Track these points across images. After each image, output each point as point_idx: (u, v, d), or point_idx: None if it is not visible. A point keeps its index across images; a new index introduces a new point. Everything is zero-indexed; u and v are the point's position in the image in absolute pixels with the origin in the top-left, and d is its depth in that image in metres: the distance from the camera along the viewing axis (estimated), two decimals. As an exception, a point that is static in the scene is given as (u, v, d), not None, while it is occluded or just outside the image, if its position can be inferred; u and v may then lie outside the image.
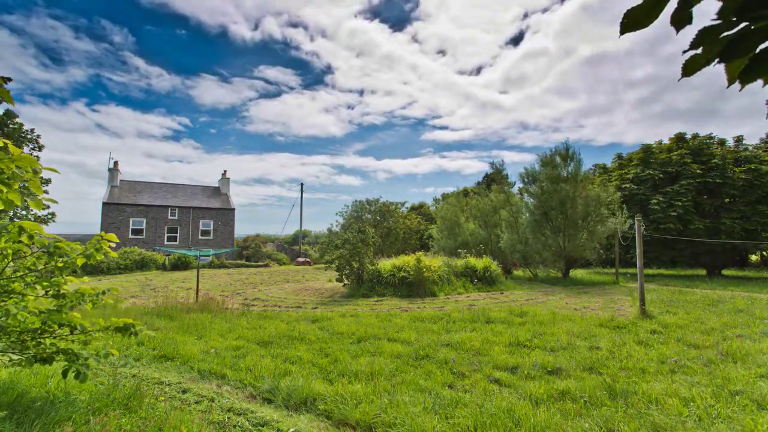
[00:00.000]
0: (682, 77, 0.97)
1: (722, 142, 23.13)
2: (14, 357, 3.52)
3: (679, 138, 23.58)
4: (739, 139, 23.18)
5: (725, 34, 0.88)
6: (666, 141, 24.32)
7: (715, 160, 21.27)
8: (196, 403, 4.10)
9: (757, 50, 0.88)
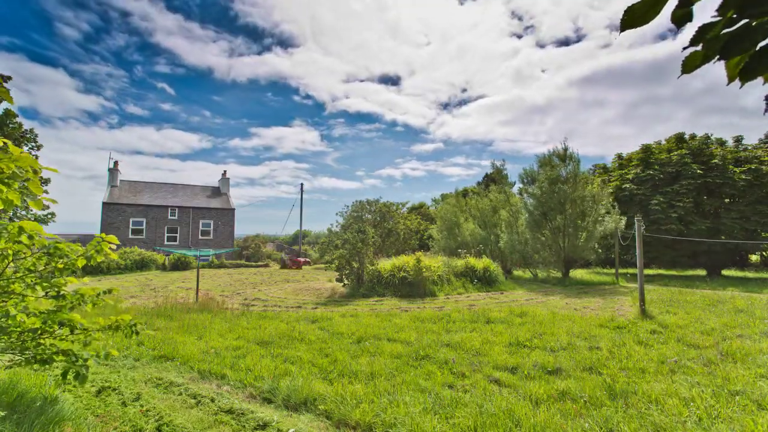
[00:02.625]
0: (681, 74, 0.97)
1: (722, 142, 23.12)
2: (14, 357, 3.51)
3: (679, 138, 23.56)
4: (738, 139, 23.17)
5: (725, 31, 0.88)
6: (664, 141, 24.32)
7: (715, 160, 21.26)
8: (197, 403, 4.10)
9: (758, 47, 0.88)
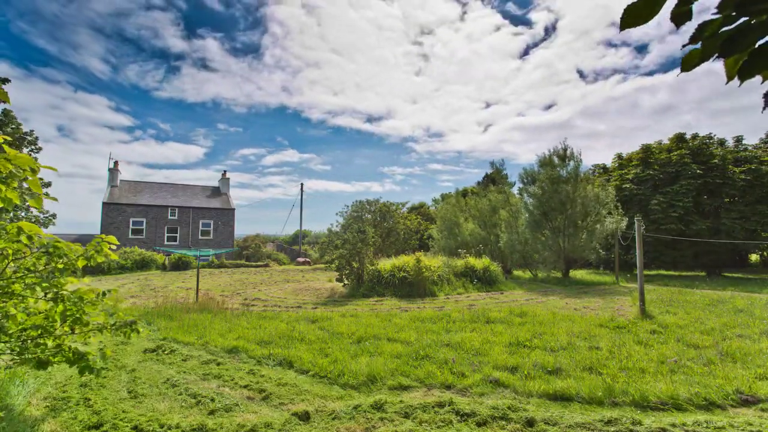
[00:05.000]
0: (681, 72, 0.97)
1: (722, 142, 23.09)
2: (15, 358, 3.51)
3: (679, 138, 23.52)
4: (738, 139, 23.14)
5: (725, 29, 0.88)
6: (666, 141, 24.28)
7: (715, 160, 21.24)
8: (197, 403, 4.10)
9: (757, 45, 0.88)
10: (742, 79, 0.92)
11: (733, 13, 0.85)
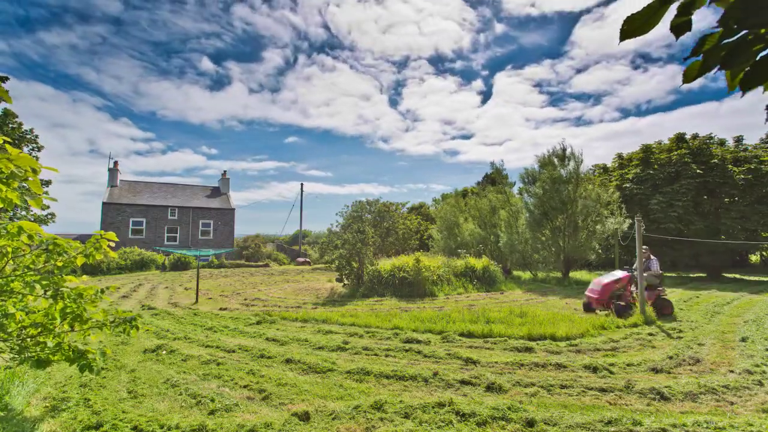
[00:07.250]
0: (683, 83, 0.97)
1: (722, 142, 23.10)
2: (14, 357, 3.52)
3: (679, 138, 23.52)
4: (738, 139, 23.15)
5: (726, 41, 0.88)
6: (666, 141, 24.29)
7: (715, 160, 21.24)
8: (197, 403, 4.11)
9: (758, 57, 0.88)
10: (744, 90, 0.93)
11: (734, 27, 0.85)
